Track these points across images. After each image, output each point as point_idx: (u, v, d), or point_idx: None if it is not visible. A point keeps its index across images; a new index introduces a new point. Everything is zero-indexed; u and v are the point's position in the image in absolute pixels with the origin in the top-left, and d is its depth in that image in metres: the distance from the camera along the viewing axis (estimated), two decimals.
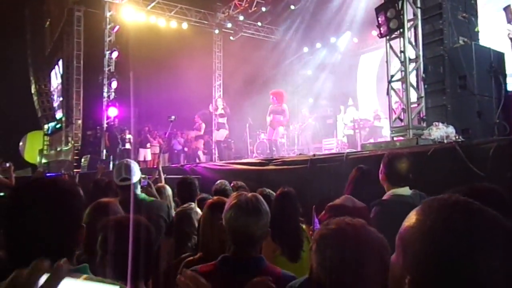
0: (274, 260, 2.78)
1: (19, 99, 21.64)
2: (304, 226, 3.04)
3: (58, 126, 20.54)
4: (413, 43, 6.20)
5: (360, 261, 1.22)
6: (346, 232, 1.27)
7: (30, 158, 22.91)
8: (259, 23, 16.37)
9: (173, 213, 3.72)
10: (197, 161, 12.11)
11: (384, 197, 2.99)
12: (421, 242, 0.79)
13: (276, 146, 10.14)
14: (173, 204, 4.04)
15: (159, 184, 4.32)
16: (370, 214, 2.72)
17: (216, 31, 16.61)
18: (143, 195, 3.59)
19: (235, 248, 1.72)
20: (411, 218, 0.84)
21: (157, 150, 13.55)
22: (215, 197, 2.49)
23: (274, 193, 3.22)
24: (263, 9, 14.75)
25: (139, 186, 3.52)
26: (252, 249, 1.76)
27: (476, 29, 6.01)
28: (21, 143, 23.69)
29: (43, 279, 0.75)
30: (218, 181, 4.38)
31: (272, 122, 9.99)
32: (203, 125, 12.98)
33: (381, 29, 6.13)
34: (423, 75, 6.07)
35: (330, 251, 1.26)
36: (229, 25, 16.07)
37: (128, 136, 12.99)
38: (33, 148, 23.11)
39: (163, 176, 4.93)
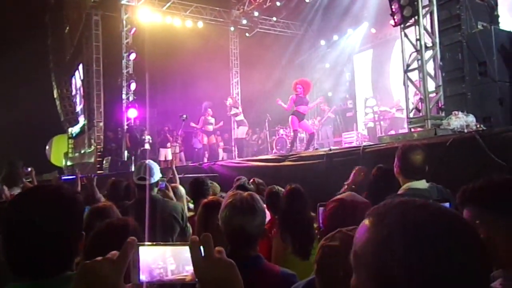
0: (285, 259, 2.73)
1: (42, 104, 22.21)
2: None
3: (80, 129, 20.98)
4: (429, 30, 6.00)
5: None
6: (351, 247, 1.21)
7: (56, 161, 23.49)
8: (274, 18, 16.23)
9: (187, 213, 3.73)
10: (206, 157, 12.18)
11: (400, 191, 2.90)
12: (376, 253, 0.70)
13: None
14: (186, 204, 4.05)
15: (172, 185, 4.33)
16: None
17: (232, 29, 16.58)
18: (158, 196, 3.62)
19: (231, 247, 1.69)
20: (361, 232, 0.75)
21: (177, 150, 13.65)
22: (210, 197, 2.46)
23: None
24: (278, 3, 14.62)
25: (155, 188, 3.56)
26: (249, 248, 1.73)
27: (495, 13, 5.77)
28: (47, 147, 24.30)
29: None
30: (238, 178, 4.39)
31: (297, 112, 9.03)
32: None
33: (395, 17, 5.96)
34: (441, 63, 5.88)
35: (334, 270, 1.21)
36: (245, 21, 16.01)
37: (147, 137, 13.11)
38: (58, 151, 23.68)
39: (177, 176, 4.94)
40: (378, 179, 3.33)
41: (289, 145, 10.44)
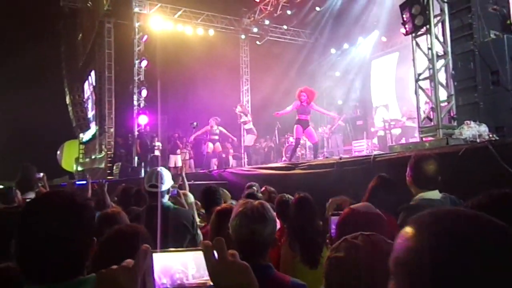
0: (293, 267, 2.72)
1: (55, 110, 22.50)
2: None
3: (92, 135, 21.17)
4: (441, 39, 5.97)
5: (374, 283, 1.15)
6: (357, 256, 1.21)
7: (67, 166, 23.72)
8: (285, 27, 16.29)
9: (197, 220, 3.73)
10: (215, 164, 12.17)
11: (412, 202, 2.87)
12: (420, 261, 0.67)
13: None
14: (195, 211, 4.05)
15: (182, 191, 4.32)
16: (397, 220, 2.61)
17: (243, 36, 16.68)
18: (169, 203, 3.62)
19: (242, 256, 1.67)
20: (403, 239, 0.72)
21: (187, 157, 13.70)
22: (223, 205, 2.46)
23: None
24: (289, 12, 14.67)
25: (166, 196, 3.57)
26: (259, 257, 1.72)
27: (508, 22, 5.72)
28: (58, 152, 24.56)
29: None
30: (249, 185, 4.37)
31: (300, 120, 9.04)
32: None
33: (407, 26, 5.94)
34: (453, 72, 5.83)
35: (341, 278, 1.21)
36: (255, 29, 16.10)
37: (157, 143, 13.18)
38: (69, 156, 23.91)
39: (187, 183, 4.94)
40: (376, 188, 3.27)
41: (289, 153, 10.33)
